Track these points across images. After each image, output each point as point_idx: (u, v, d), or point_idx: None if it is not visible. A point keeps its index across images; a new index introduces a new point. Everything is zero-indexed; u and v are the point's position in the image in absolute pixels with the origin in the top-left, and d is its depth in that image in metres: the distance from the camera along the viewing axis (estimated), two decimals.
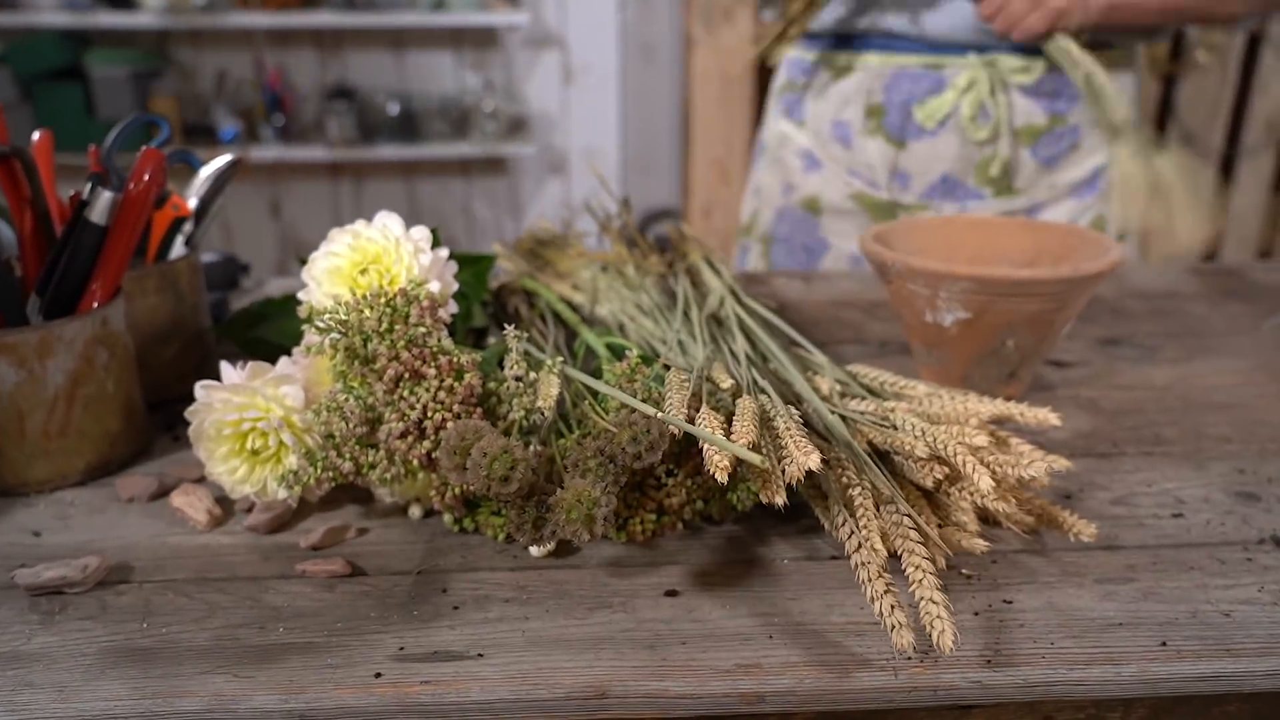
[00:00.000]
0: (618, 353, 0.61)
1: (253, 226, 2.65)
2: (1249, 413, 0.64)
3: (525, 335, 0.51)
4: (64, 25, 2.27)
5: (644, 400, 0.47)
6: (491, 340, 0.69)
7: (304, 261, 0.55)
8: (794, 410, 0.45)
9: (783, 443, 0.42)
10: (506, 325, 0.72)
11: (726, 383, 0.48)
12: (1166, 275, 0.94)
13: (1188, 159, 0.79)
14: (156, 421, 0.63)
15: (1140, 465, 0.57)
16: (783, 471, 0.41)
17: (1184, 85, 2.27)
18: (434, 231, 0.60)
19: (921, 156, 0.97)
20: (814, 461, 0.39)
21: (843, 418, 0.51)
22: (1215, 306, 0.85)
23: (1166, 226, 0.78)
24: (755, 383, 0.51)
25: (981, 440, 0.47)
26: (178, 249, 0.65)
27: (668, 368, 0.54)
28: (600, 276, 0.78)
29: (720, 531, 0.50)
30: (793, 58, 1.06)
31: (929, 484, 0.48)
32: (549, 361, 0.49)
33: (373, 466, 0.48)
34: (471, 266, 0.73)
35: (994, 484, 0.44)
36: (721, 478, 0.39)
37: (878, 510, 0.43)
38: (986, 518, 0.51)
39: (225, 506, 0.53)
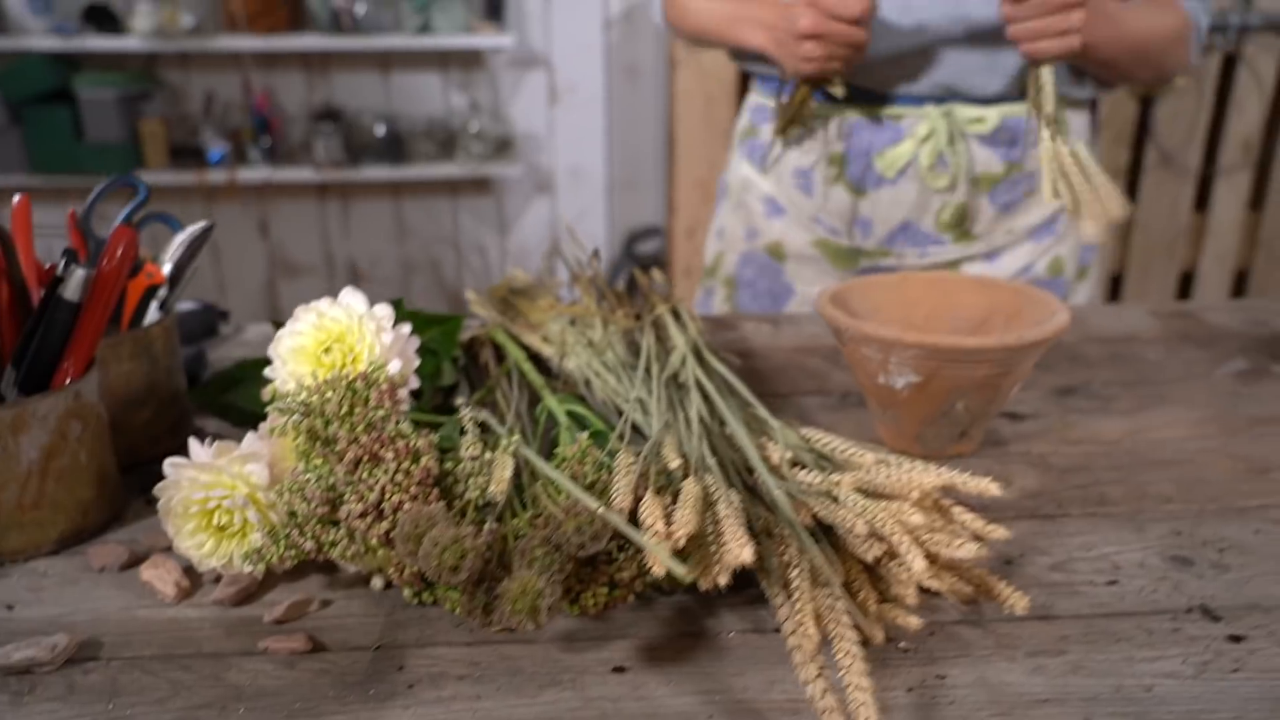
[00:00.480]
0: (580, 421, 0.62)
1: (241, 247, 2.66)
2: (1193, 469, 0.66)
3: (481, 416, 0.52)
4: (53, 49, 2.28)
5: (594, 482, 0.49)
6: (458, 400, 0.71)
7: (279, 325, 0.57)
8: (734, 495, 0.47)
9: (721, 530, 0.44)
10: (476, 381, 0.74)
11: (675, 462, 0.50)
12: (1126, 318, 0.96)
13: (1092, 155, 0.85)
14: (131, 484, 0.65)
15: (1082, 528, 0.59)
16: (720, 559, 0.43)
17: (1161, 106, 2.30)
18: (398, 303, 0.62)
19: (882, 204, 0.99)
20: (746, 555, 0.41)
21: (789, 492, 0.53)
22: (1172, 351, 0.87)
23: (1089, 200, 0.82)
24: (704, 459, 0.53)
25: (918, 519, 0.49)
26: (152, 314, 0.67)
27: (624, 437, 0.56)
28: (569, 330, 0.80)
29: (671, 602, 0.52)
30: (755, 104, 1.08)
31: (869, 559, 0.50)
32: (504, 440, 0.51)
33: (334, 544, 0.50)
34: (440, 325, 0.75)
35: (927, 564, 0.46)
36: (659, 572, 0.41)
37: (814, 591, 0.45)
38: (927, 587, 0.52)
39: (194, 576, 0.55)
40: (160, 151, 2.37)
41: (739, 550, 0.41)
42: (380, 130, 2.42)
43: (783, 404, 0.78)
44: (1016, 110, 0.96)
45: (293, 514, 0.49)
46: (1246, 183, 2.40)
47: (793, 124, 0.99)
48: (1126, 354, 0.87)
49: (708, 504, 0.47)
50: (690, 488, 0.47)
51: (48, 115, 2.30)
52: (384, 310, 0.56)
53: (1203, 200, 2.43)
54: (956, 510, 0.54)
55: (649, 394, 0.66)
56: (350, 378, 0.50)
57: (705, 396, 0.65)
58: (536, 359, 0.80)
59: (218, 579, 0.54)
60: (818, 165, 1.01)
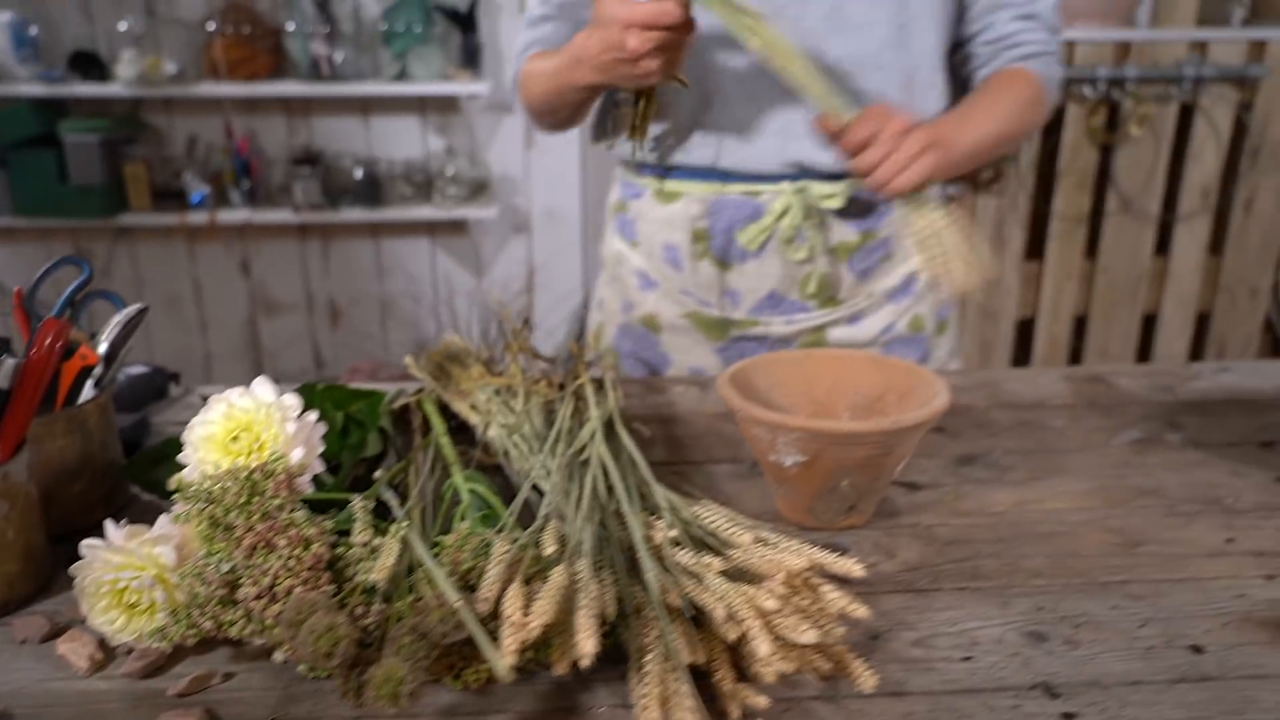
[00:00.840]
0: (480, 500, 0.66)
1: (222, 284, 2.71)
2: (1069, 542, 0.70)
3: (372, 504, 0.56)
4: (39, 95, 2.34)
5: (470, 569, 0.52)
6: (377, 474, 0.74)
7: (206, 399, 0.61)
8: (596, 585, 0.51)
9: (575, 620, 0.48)
10: (403, 450, 0.78)
11: (550, 549, 0.54)
12: (1040, 383, 1.00)
13: (961, 219, 0.88)
14: (63, 554, 0.68)
15: (952, 602, 0.63)
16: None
17: (1120, 154, 2.36)
18: (308, 389, 0.66)
19: (748, 275, 1.04)
20: (588, 649, 0.45)
21: (669, 570, 0.57)
22: (1076, 418, 0.92)
23: (949, 267, 0.85)
24: (581, 544, 0.57)
25: (772, 604, 0.53)
26: (87, 392, 0.71)
27: (518, 517, 0.60)
28: (494, 399, 0.84)
29: (551, 677, 0.56)
30: (625, 180, 1.12)
31: (730, 639, 0.54)
32: (394, 527, 0.55)
33: (232, 624, 0.53)
34: (366, 399, 0.79)
35: (772, 649, 0.50)
36: (510, 660, 0.45)
37: (664, 673, 0.49)
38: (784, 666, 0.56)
39: (109, 648, 0.58)
40: (143, 194, 2.43)
41: (584, 644, 0.45)
42: (359, 173, 2.47)
43: (695, 472, 0.82)
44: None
45: (194, 595, 0.53)
46: (1206, 228, 2.45)
47: (645, 123, 0.98)
48: (1032, 421, 0.91)
49: (572, 593, 0.50)
50: (556, 578, 0.50)
51: (33, 159, 2.35)
52: (291, 400, 0.60)
53: (1163, 244, 2.48)
54: (825, 589, 0.58)
55: (551, 470, 0.69)
56: (249, 469, 0.54)
57: (606, 472, 0.69)
58: (466, 426, 0.84)
59: (130, 651, 0.58)
60: (684, 241, 1.05)
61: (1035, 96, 1.00)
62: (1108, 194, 2.40)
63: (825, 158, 0.99)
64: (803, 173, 1.01)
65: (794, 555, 0.59)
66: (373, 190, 2.49)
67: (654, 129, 1.04)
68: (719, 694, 0.52)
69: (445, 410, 0.88)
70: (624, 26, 0.83)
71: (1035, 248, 2.47)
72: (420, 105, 2.59)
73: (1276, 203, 2.43)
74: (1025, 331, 2.55)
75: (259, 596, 0.52)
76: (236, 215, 2.46)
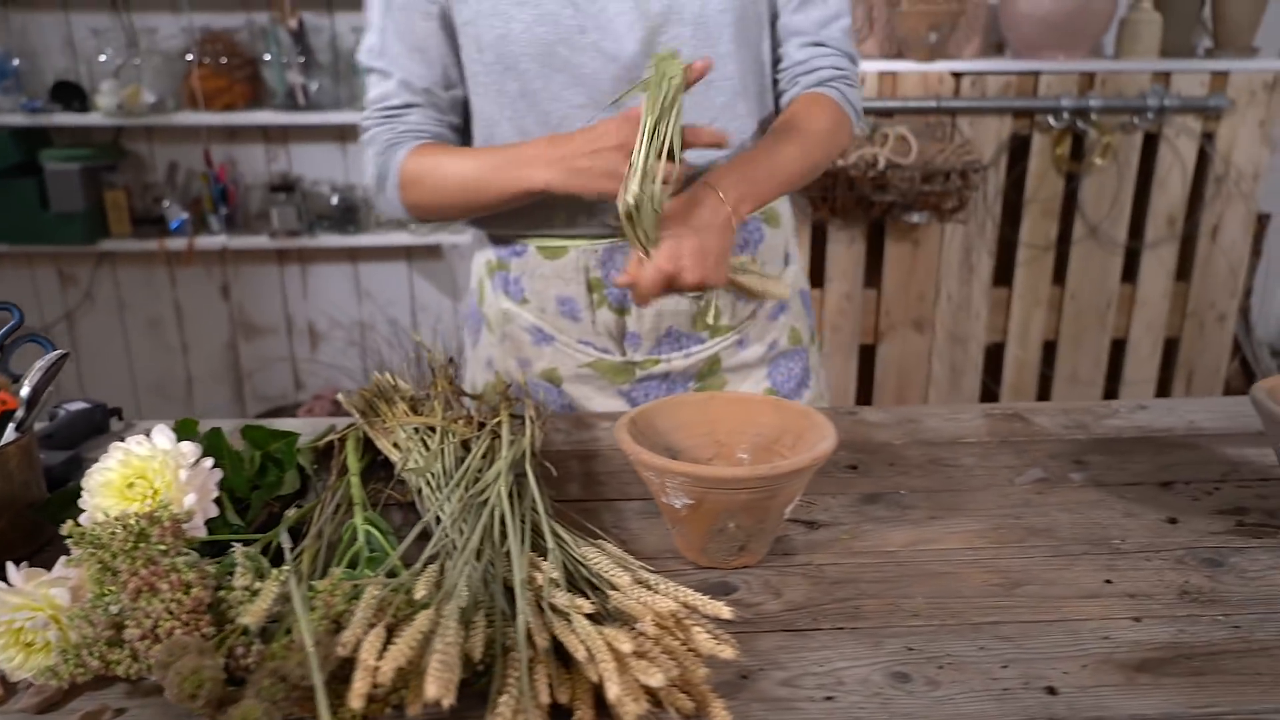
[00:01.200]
0: (372, 542, 0.69)
1: (203, 308, 2.75)
2: (952, 582, 0.73)
3: (251, 551, 0.59)
4: (21, 125, 2.39)
5: (343, 613, 0.55)
6: (294, 509, 0.77)
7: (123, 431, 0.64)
8: (456, 630, 0.53)
9: (431, 664, 0.50)
10: (321, 487, 0.80)
11: (420, 593, 0.57)
12: (961, 419, 1.03)
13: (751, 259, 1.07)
14: None
15: (827, 642, 0.66)
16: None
17: (1086, 182, 2.39)
18: (214, 435, 0.69)
19: (647, 316, 1.07)
20: (431, 693, 0.47)
21: (541, 609, 0.59)
22: (986, 456, 0.94)
23: (765, 287, 1.04)
24: (457, 587, 0.59)
25: (628, 646, 0.55)
26: (9, 435, 0.74)
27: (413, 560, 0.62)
28: (414, 437, 0.87)
29: (429, 713, 0.58)
30: (501, 240, 1.11)
31: (594, 679, 0.56)
32: (275, 572, 0.58)
33: (119, 663, 0.56)
34: (283, 439, 0.82)
35: (620, 691, 0.53)
36: (358, 704, 0.47)
37: (514, 716, 0.51)
38: (658, 700, 0.59)
39: (11, 684, 0.61)
40: (123, 220, 2.47)
41: (429, 688, 0.48)
42: (335, 200, 2.51)
43: (605, 509, 0.84)
44: None
45: (84, 636, 0.56)
46: (1173, 255, 2.48)
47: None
48: (944, 459, 0.94)
49: (432, 636, 0.53)
50: (418, 623, 0.53)
51: (14, 187, 2.40)
52: (188, 447, 0.63)
53: (1131, 271, 2.51)
54: (696, 630, 0.61)
55: (448, 511, 0.72)
56: (136, 516, 0.57)
57: (505, 513, 0.71)
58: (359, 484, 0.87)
59: (28, 686, 0.61)
60: (579, 293, 1.06)
61: (835, 123, 1.03)
62: (1075, 221, 2.43)
63: None
64: None
65: (667, 598, 0.62)
66: (349, 216, 2.53)
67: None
68: None
69: (374, 448, 0.91)
70: (620, 120, 0.88)
71: (1003, 274, 2.50)
72: None
73: (1241, 230, 2.46)
74: (995, 357, 2.57)
75: (143, 638, 0.55)
76: (215, 241, 2.50)
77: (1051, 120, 2.31)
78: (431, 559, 0.64)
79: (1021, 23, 2.31)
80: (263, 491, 0.77)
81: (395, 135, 1.03)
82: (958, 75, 2.30)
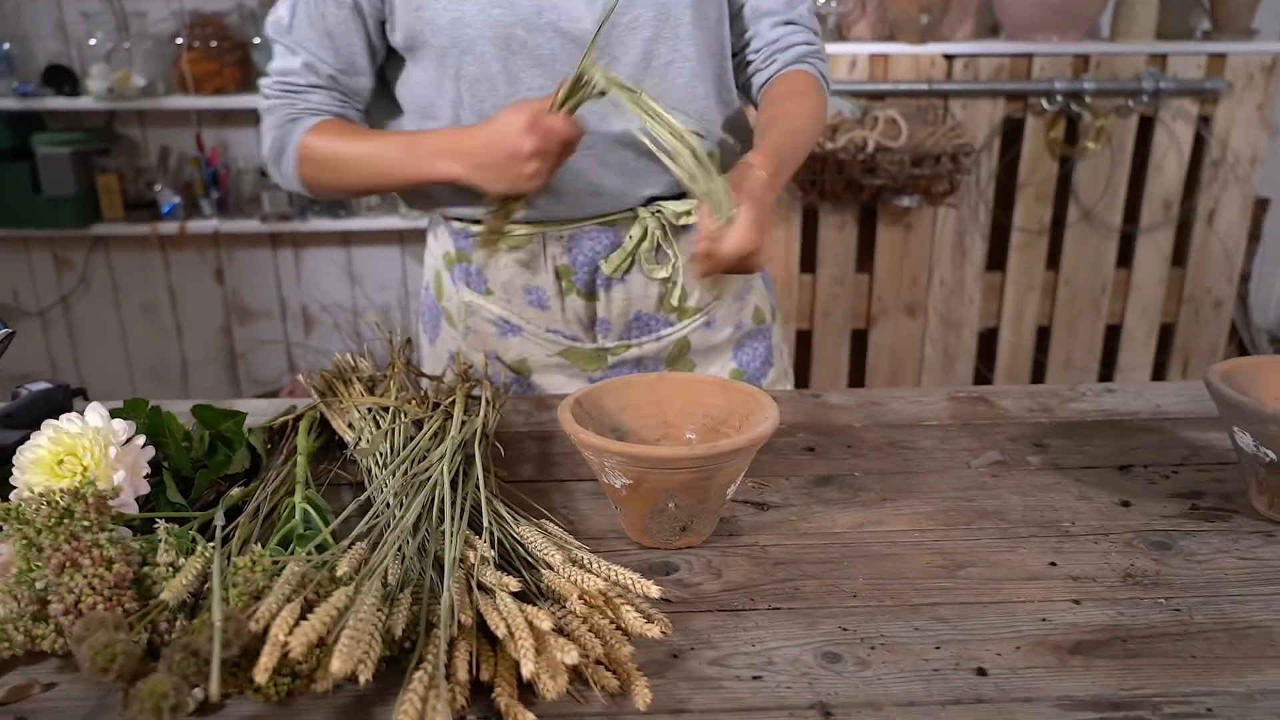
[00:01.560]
0: (321, 515, 0.69)
1: (197, 292, 2.76)
2: (895, 564, 0.72)
3: (175, 528, 0.59)
4: (12, 109, 2.40)
5: (264, 589, 0.55)
6: (240, 488, 0.77)
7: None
8: (371, 608, 0.53)
9: (340, 640, 0.50)
10: (272, 466, 0.80)
11: (342, 570, 0.57)
12: (925, 401, 1.02)
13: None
14: None
15: (761, 622, 0.65)
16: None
17: (1080, 166, 2.37)
18: (155, 414, 0.69)
19: (616, 302, 1.06)
20: (335, 669, 0.47)
21: (471, 587, 0.59)
22: (946, 439, 0.94)
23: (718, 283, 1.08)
24: (383, 565, 0.59)
25: (548, 624, 0.55)
26: None
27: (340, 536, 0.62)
28: (366, 417, 0.87)
29: (355, 689, 0.58)
30: (456, 228, 1.08)
31: (516, 657, 0.56)
32: (200, 548, 0.58)
33: (43, 638, 0.56)
34: (231, 419, 0.82)
35: (534, 669, 0.53)
36: (262, 679, 0.48)
37: (425, 692, 0.51)
38: (583, 678, 0.58)
39: None
40: (115, 204, 2.48)
41: (333, 663, 0.48)
42: None
43: (555, 490, 0.84)
44: None
45: (9, 611, 0.56)
46: (1168, 240, 2.45)
47: (499, 236, 1.01)
48: (902, 442, 0.93)
49: (346, 611, 0.53)
50: (333, 599, 0.53)
51: (6, 171, 2.41)
52: (120, 425, 0.63)
53: (1126, 256, 2.48)
54: (625, 609, 0.61)
55: (391, 488, 0.72)
56: (60, 492, 0.57)
57: (444, 493, 0.71)
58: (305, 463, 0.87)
59: None
60: (548, 282, 1.05)
61: (821, 99, 1.05)
62: (1069, 205, 2.41)
63: (669, 183, 1.02)
64: (653, 198, 1.03)
65: (597, 577, 0.62)
66: (340, 200, 2.53)
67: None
68: (498, 710, 0.55)
69: (332, 429, 0.91)
70: (526, 127, 0.87)
71: (997, 259, 2.48)
72: None
73: (1238, 214, 2.43)
74: (989, 342, 2.56)
75: (66, 613, 0.55)
76: (207, 225, 2.50)
77: (1045, 103, 2.29)
78: (363, 536, 0.64)
79: (1015, 4, 2.29)
80: (209, 471, 0.77)
81: (295, 111, 1.01)
82: (950, 58, 2.28)
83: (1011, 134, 2.36)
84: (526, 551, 0.67)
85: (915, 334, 2.51)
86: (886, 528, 0.78)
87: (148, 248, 2.67)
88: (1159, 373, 2.58)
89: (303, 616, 0.53)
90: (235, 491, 0.75)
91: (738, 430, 0.77)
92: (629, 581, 0.62)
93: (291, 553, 0.63)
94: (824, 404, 1.02)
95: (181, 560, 0.57)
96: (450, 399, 0.89)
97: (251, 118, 2.61)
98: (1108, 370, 2.58)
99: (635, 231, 1.03)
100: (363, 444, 0.84)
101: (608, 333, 1.08)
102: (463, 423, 0.84)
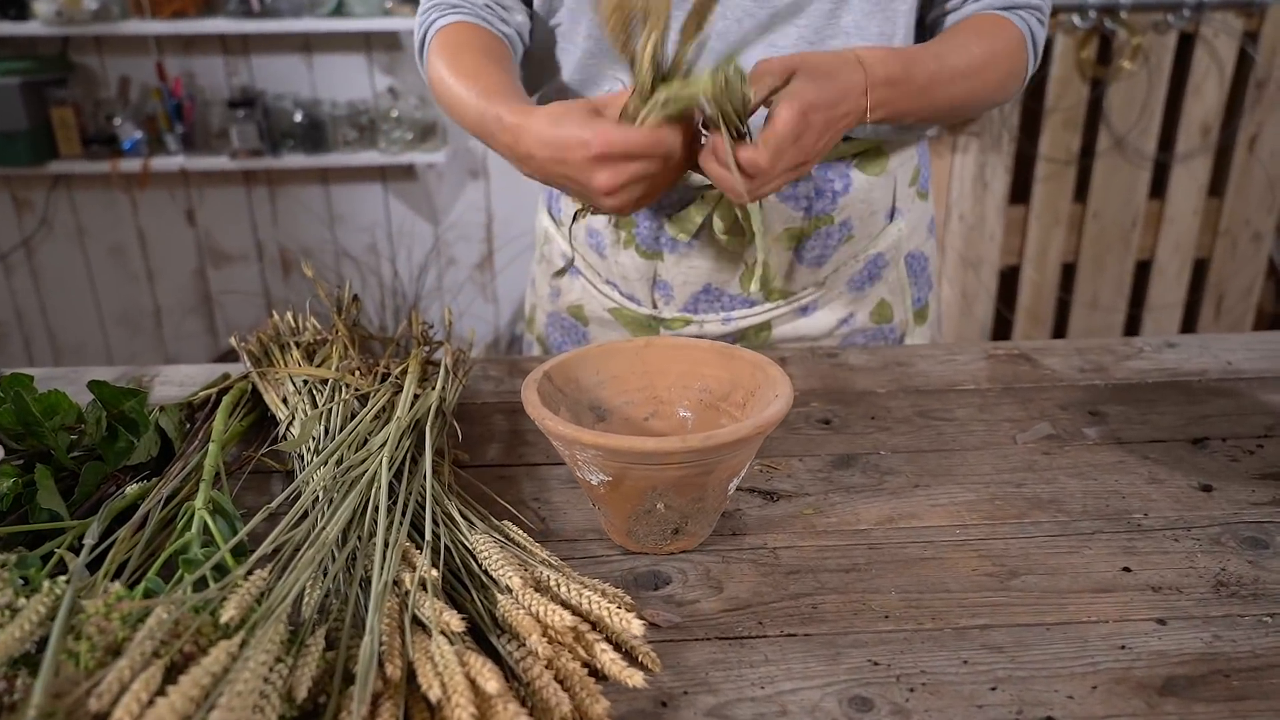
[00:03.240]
0: (230, 524, 0.56)
1: (167, 234, 2.60)
2: (935, 571, 0.59)
3: (13, 560, 0.46)
4: None
5: (124, 640, 0.42)
6: (130, 488, 0.64)
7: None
8: (254, 673, 0.40)
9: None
10: (186, 451, 0.67)
11: (229, 614, 0.44)
12: (959, 361, 0.88)
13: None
14: None
15: (773, 654, 0.53)
16: None
17: (1113, 89, 2.18)
18: (12, 381, 0.56)
19: (680, 268, 0.90)
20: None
21: (405, 626, 0.47)
22: (985, 408, 0.80)
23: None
24: (281, 604, 0.46)
25: (494, 686, 0.42)
26: None
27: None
28: (301, 391, 0.74)
29: None
30: None
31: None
32: (48, 584, 0.45)
33: None
34: (135, 397, 0.68)
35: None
36: None
37: None
38: None
39: None
40: (73, 139, 2.30)
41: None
42: (299, 116, 2.33)
43: (525, 477, 0.71)
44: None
45: None
46: (1206, 168, 2.28)
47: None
48: (934, 411, 0.80)
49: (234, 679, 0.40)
50: (208, 661, 0.40)
51: None
52: None
53: (1159, 187, 2.32)
54: (601, 648, 0.48)
55: (317, 486, 0.59)
56: None
57: (382, 491, 0.58)
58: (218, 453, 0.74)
59: None
60: (604, 226, 0.90)
61: (1015, 58, 0.82)
62: (1099, 133, 2.23)
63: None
64: None
65: (565, 609, 0.49)
66: (315, 134, 2.35)
67: None
68: None
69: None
70: (596, 157, 0.66)
71: (1020, 191, 2.31)
72: (365, 43, 2.44)
73: None
74: (1009, 280, 2.41)
75: None
76: (172, 162, 2.33)
77: (1076, 20, 2.09)
78: (269, 558, 0.51)
79: None
80: (105, 462, 0.64)
81: (443, 6, 0.87)
82: None
83: None
84: (481, 568, 0.54)
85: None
86: (921, 523, 0.64)
87: (112, 187, 2.50)
88: (1190, 313, 2.44)
89: (168, 683, 0.40)
90: (133, 489, 0.62)
91: (741, 408, 0.64)
92: (605, 613, 0.49)
93: (179, 580, 0.50)
94: (841, 365, 0.89)
95: (22, 600, 0.44)
96: (403, 367, 0.75)
97: (217, 44, 2.42)
98: (1136, 310, 2.44)
99: (711, 192, 0.85)
100: (294, 426, 0.70)
101: (669, 299, 0.92)
102: (415, 398, 0.71)
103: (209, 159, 2.34)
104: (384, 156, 2.36)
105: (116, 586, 0.44)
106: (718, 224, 0.84)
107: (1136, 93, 2.19)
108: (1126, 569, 0.59)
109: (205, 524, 0.55)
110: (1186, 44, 2.17)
